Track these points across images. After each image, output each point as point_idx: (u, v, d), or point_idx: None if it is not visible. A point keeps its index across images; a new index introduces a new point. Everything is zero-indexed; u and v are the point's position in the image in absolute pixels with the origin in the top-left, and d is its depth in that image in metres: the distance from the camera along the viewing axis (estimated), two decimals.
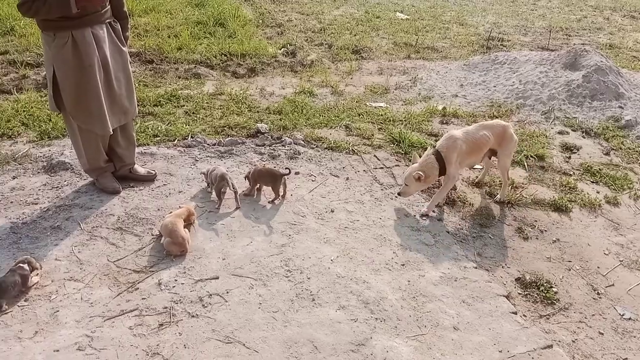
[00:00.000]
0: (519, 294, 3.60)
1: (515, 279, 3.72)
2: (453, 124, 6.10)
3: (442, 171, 4.22)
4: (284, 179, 4.27)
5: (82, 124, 3.97)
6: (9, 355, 2.77)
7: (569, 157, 5.52)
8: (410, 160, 4.76)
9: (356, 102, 6.59)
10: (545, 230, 4.29)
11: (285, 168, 4.39)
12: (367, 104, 6.56)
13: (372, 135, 5.62)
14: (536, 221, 4.39)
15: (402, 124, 5.96)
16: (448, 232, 4.12)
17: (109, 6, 3.88)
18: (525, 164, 5.23)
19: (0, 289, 3.04)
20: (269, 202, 4.26)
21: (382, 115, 6.16)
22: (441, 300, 3.39)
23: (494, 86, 7.20)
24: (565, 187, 4.91)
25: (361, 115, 6.14)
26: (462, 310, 3.32)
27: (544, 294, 3.60)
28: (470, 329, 3.18)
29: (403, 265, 3.70)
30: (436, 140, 5.55)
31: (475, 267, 3.74)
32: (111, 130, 4.05)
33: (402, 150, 5.29)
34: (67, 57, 3.71)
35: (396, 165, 5.04)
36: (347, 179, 4.77)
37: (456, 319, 3.24)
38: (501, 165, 4.55)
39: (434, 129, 5.91)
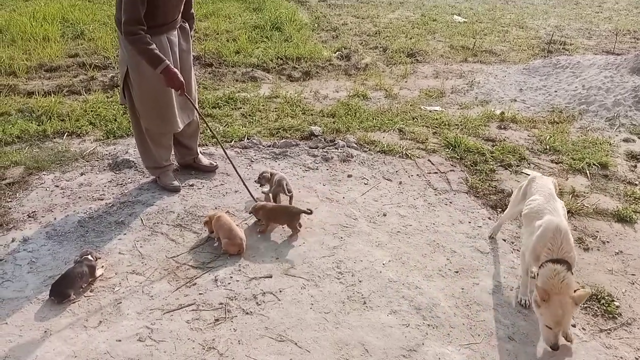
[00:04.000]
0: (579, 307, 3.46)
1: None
2: (511, 129, 5.95)
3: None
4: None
5: (148, 124, 4.18)
6: (75, 342, 2.93)
7: (635, 166, 5.26)
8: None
9: (410, 105, 6.55)
10: (608, 242, 4.12)
11: (308, 209, 3.98)
12: (422, 107, 6.50)
13: (427, 139, 5.56)
14: (598, 232, 4.21)
15: (457, 128, 5.87)
16: (504, 240, 4.03)
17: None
18: (588, 172, 5.03)
19: (69, 280, 3.22)
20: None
21: (437, 119, 6.09)
22: (496, 309, 3.32)
23: (555, 91, 6.96)
24: (630, 197, 4.69)
25: (415, 119, 6.09)
26: (518, 320, 3.23)
27: (604, 308, 3.45)
28: (526, 340, 3.09)
29: (457, 272, 3.65)
30: (494, 146, 5.47)
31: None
32: (181, 128, 4.27)
33: (458, 155, 5.21)
34: (142, 60, 3.88)
35: (451, 170, 4.97)
36: (400, 183, 4.74)
37: (511, 329, 3.16)
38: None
39: (491, 134, 5.79)
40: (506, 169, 5.07)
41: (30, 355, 2.83)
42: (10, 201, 4.21)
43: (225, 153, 4.44)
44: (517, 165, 5.11)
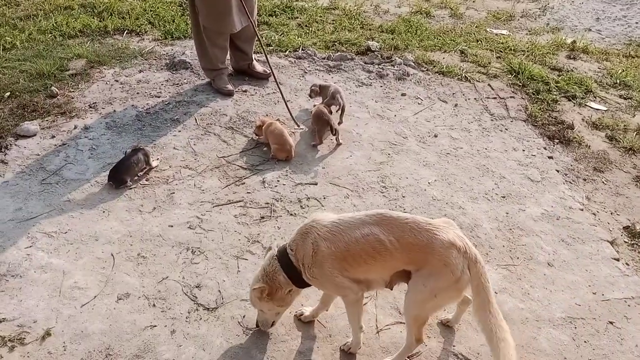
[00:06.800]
0: (625, 242, 3.38)
1: (624, 227, 3.49)
2: (581, 60, 5.60)
3: (300, 281, 2.44)
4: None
5: (206, 22, 4.16)
6: (131, 223, 3.13)
7: None
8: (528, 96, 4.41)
9: (476, 27, 6.22)
10: None
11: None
12: (488, 30, 6.17)
13: (489, 63, 5.32)
14: None
15: (523, 54, 5.56)
16: (557, 171, 3.91)
17: None
18: None
19: (124, 167, 3.38)
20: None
21: (502, 43, 5.78)
22: (539, 235, 3.29)
23: (636, 22, 6.42)
24: None
25: (479, 42, 5.80)
26: (560, 248, 3.21)
27: None
28: (565, 267, 3.08)
29: (504, 197, 3.60)
30: (559, 76, 5.19)
31: (582, 209, 3.56)
32: (237, 29, 4.24)
33: (520, 82, 4.98)
34: None
35: (511, 97, 4.78)
36: (456, 105, 4.61)
37: (552, 256, 3.15)
38: (405, 307, 2.39)
39: (559, 63, 5.47)
40: (570, 100, 4.82)
41: (89, 231, 3.06)
42: (73, 91, 4.38)
43: (271, 69, 4.31)
44: (582, 98, 4.85)
